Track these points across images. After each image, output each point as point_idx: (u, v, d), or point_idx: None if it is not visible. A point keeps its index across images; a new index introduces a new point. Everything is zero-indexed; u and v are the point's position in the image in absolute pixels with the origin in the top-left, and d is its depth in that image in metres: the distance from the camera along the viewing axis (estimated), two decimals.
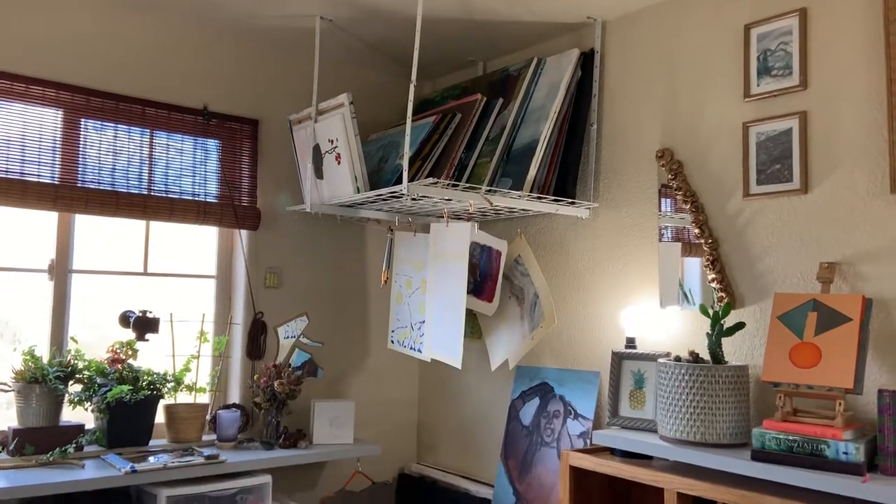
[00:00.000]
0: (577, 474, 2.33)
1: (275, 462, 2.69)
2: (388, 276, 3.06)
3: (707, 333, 2.19)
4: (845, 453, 1.76)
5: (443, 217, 2.83)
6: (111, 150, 2.75)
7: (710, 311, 2.22)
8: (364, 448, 2.96)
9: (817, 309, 1.97)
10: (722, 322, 2.20)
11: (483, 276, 2.86)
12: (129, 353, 2.67)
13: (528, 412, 2.90)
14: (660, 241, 2.54)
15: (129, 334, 2.73)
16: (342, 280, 3.31)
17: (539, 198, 2.65)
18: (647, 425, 2.35)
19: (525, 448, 2.87)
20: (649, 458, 2.22)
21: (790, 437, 1.85)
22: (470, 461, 3.22)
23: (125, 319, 2.75)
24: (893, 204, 1.99)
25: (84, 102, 2.70)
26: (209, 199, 2.96)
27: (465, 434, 3.27)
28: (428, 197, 2.53)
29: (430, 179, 2.43)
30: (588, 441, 2.60)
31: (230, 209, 2.98)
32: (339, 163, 2.72)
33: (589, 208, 2.77)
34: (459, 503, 3.01)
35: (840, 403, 1.83)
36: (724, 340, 2.22)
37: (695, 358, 2.21)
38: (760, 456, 1.88)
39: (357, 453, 2.96)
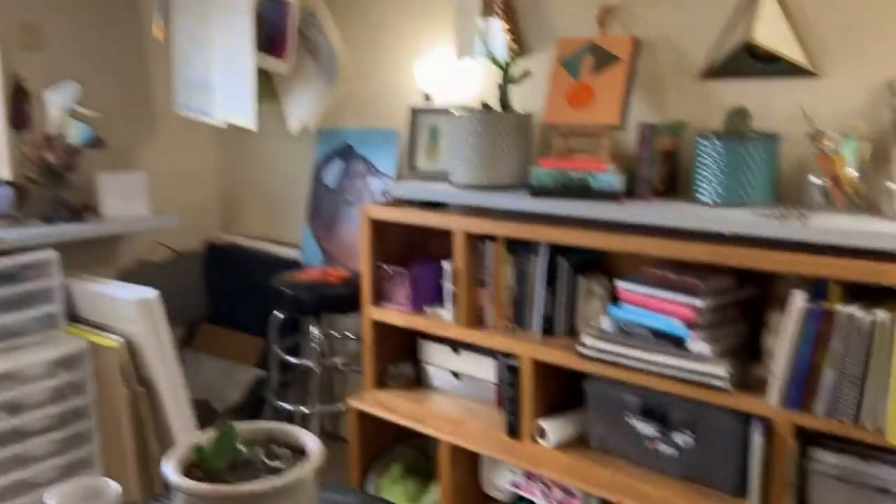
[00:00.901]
0: (377, 226, 2.39)
1: (58, 237, 2.54)
2: (165, 32, 2.75)
3: (498, 84, 2.22)
4: (608, 183, 1.93)
5: None
6: None
7: (501, 61, 2.23)
8: (160, 219, 2.85)
9: (594, 52, 2.03)
10: (511, 72, 2.23)
11: (273, 30, 2.65)
12: None
13: (332, 174, 2.89)
14: None
15: None
16: (117, 38, 2.95)
17: None
18: (442, 176, 2.42)
19: (330, 209, 2.90)
20: (446, 207, 2.31)
21: (562, 173, 1.98)
22: (277, 227, 3.22)
23: None
24: None
25: None
26: None
27: (271, 201, 3.23)
28: None
29: None
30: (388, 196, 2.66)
31: None
32: None
33: None
34: (269, 266, 3.04)
35: (605, 139, 1.97)
36: (516, 90, 2.26)
37: (485, 108, 2.25)
38: (537, 191, 2.02)
39: (152, 224, 2.85)
